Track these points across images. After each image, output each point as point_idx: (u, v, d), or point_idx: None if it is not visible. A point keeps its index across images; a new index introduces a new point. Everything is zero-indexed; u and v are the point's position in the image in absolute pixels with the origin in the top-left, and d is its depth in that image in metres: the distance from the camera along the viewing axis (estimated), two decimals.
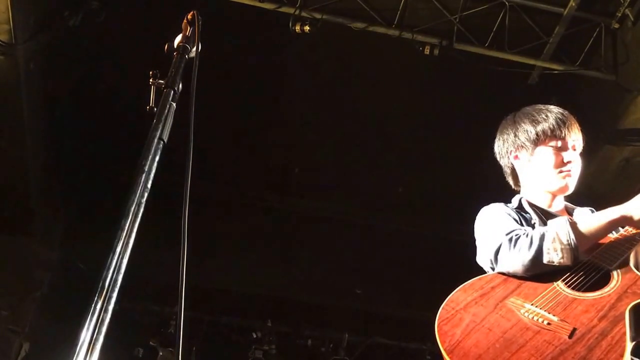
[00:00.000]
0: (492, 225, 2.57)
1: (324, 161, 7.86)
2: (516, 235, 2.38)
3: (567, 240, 2.29)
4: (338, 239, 8.31)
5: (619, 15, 6.06)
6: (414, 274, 7.95)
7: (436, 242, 7.76)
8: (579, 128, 2.77)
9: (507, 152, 2.84)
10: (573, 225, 2.34)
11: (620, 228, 2.48)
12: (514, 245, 2.34)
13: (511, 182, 2.90)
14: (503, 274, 2.37)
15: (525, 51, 6.34)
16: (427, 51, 6.29)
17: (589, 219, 2.42)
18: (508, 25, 6.19)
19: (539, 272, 2.30)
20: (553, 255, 2.28)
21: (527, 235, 2.36)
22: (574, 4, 6.03)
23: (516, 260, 2.32)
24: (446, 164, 7.46)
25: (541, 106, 2.82)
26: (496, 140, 2.93)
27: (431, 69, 6.74)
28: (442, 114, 7.22)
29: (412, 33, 6.26)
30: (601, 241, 2.40)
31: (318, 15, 6.21)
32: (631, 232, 2.40)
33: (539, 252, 2.29)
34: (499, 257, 2.39)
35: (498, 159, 2.93)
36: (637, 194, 2.41)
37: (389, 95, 7.22)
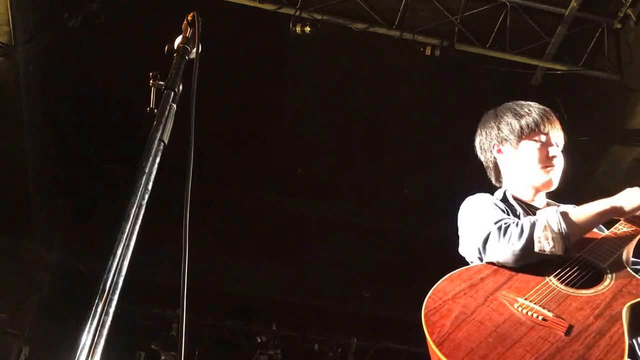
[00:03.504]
0: (479, 214, 2.53)
1: (328, 162, 7.85)
2: (505, 223, 2.35)
3: (558, 229, 2.27)
4: (345, 241, 8.26)
5: (621, 15, 6.06)
6: (422, 276, 7.81)
7: (444, 244, 7.70)
8: (560, 126, 2.76)
9: (490, 146, 2.81)
10: (564, 214, 2.32)
11: (603, 228, 2.49)
12: (504, 234, 2.30)
13: (492, 177, 2.87)
14: (492, 264, 2.33)
15: (527, 52, 6.33)
16: (428, 52, 6.29)
17: (580, 209, 2.40)
18: (509, 25, 6.19)
19: (529, 262, 2.27)
20: (544, 243, 2.25)
21: (517, 225, 2.32)
22: (575, 5, 6.04)
23: (506, 249, 2.28)
24: (450, 164, 7.44)
25: (522, 102, 2.80)
26: (477, 135, 2.90)
27: (432, 70, 6.74)
28: (444, 115, 7.21)
29: (413, 34, 6.26)
30: (592, 237, 2.38)
31: (319, 16, 6.20)
32: (622, 231, 2.39)
33: (530, 241, 2.26)
34: (487, 246, 2.34)
35: (479, 154, 2.90)
36: None
37: (390, 96, 7.22)
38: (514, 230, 2.30)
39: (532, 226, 2.28)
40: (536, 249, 2.25)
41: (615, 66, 6.19)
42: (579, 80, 6.52)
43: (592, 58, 6.32)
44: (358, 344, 8.47)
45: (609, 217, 2.41)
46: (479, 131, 2.88)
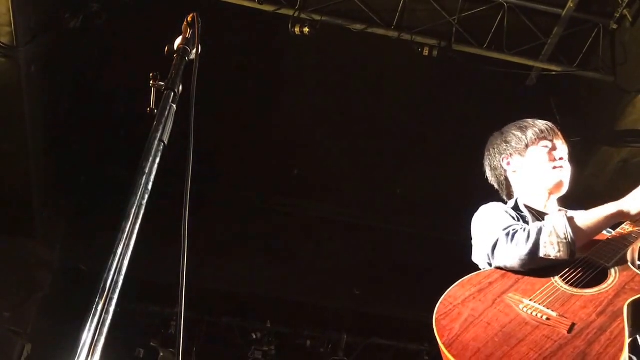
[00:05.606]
0: (489, 221, 2.59)
1: (323, 162, 7.87)
2: (513, 230, 2.40)
3: (564, 234, 2.30)
4: (337, 240, 8.32)
5: (617, 16, 6.06)
6: (412, 274, 7.95)
7: (434, 243, 7.76)
8: (563, 140, 2.83)
9: (499, 160, 2.87)
10: (570, 219, 2.35)
11: (611, 230, 2.50)
12: (511, 240, 2.36)
13: (504, 195, 2.91)
14: (501, 269, 2.39)
15: (523, 52, 6.34)
16: (426, 52, 6.30)
17: (587, 214, 2.43)
18: (506, 26, 6.19)
19: (536, 266, 2.31)
20: (550, 249, 2.30)
21: (524, 230, 2.37)
22: (572, 5, 6.03)
23: (513, 254, 2.34)
24: (444, 165, 7.46)
25: (526, 119, 2.89)
26: (486, 155, 2.96)
27: (430, 70, 6.76)
28: (441, 115, 7.23)
29: (411, 34, 6.27)
30: (598, 238, 2.41)
31: (317, 17, 6.21)
32: (628, 230, 2.42)
33: (536, 246, 2.30)
34: (495, 252, 2.41)
35: (489, 174, 2.95)
36: None
37: (388, 97, 7.23)
38: (521, 236, 2.35)
39: (539, 231, 2.33)
40: (542, 254, 2.30)
41: (610, 67, 6.19)
42: (573, 81, 6.53)
43: (587, 59, 6.32)
44: (348, 340, 8.61)
45: (617, 221, 2.42)
46: (486, 153, 2.95)
